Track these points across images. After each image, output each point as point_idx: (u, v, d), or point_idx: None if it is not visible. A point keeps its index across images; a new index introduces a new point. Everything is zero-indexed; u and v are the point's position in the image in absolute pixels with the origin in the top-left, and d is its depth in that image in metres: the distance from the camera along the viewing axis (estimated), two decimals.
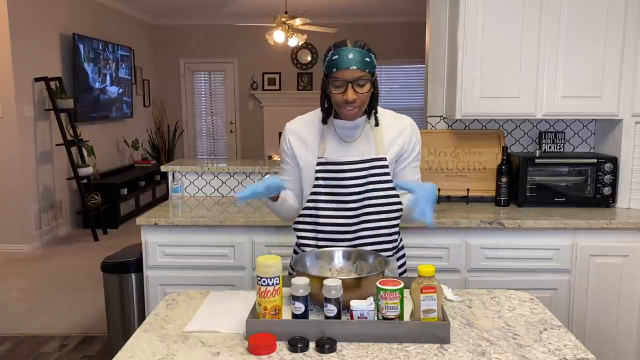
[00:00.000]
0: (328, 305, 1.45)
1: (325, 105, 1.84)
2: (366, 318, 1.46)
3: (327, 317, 1.46)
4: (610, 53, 2.79)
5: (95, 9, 7.19)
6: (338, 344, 1.41)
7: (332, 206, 1.83)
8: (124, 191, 6.77)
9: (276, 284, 1.46)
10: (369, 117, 1.85)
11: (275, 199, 1.84)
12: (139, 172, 7.55)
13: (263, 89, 9.58)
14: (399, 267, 1.94)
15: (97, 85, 6.95)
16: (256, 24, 8.33)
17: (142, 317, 2.82)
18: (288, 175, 1.95)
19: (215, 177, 3.29)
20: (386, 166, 1.82)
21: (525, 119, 3.14)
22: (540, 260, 2.64)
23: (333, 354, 1.38)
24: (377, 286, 1.46)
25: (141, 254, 2.75)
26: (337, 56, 1.71)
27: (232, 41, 9.40)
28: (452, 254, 2.64)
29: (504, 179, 2.90)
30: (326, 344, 1.38)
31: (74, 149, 6.08)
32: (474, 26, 2.79)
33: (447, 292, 1.76)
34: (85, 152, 6.27)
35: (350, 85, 1.70)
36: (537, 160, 2.91)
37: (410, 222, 1.84)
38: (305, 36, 7.21)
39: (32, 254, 5.42)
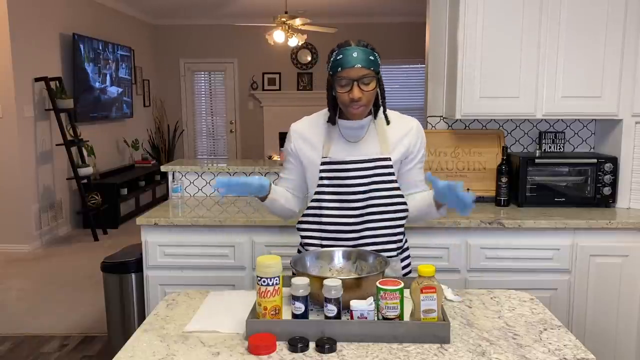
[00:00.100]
0: (328, 305, 1.45)
1: (332, 109, 1.85)
2: (366, 318, 1.46)
3: (327, 317, 1.46)
4: (610, 53, 2.79)
5: (95, 9, 7.20)
6: (338, 344, 1.41)
7: (336, 205, 1.84)
8: (124, 191, 6.77)
9: (276, 284, 1.46)
10: (374, 117, 1.85)
11: (263, 198, 1.85)
12: (139, 172, 7.55)
13: (263, 89, 9.58)
14: (404, 267, 1.94)
15: (97, 85, 6.95)
16: (256, 24, 8.33)
17: (142, 317, 2.82)
18: (289, 175, 1.96)
19: (215, 177, 3.29)
20: (391, 166, 1.83)
21: (525, 119, 3.14)
22: (540, 260, 2.64)
23: (333, 354, 1.38)
24: (377, 286, 1.46)
25: (141, 254, 2.75)
26: (341, 56, 1.73)
27: (232, 41, 9.40)
28: (452, 254, 2.64)
29: (504, 179, 2.90)
30: (326, 344, 1.38)
31: (74, 149, 6.08)
32: (474, 26, 2.79)
33: (447, 292, 1.76)
34: (85, 152, 6.27)
35: (355, 83, 1.72)
36: (537, 160, 2.91)
37: (432, 217, 1.85)
38: (305, 36, 7.21)
39: (32, 254, 5.42)
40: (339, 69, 1.72)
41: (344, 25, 8.60)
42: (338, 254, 1.79)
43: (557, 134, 3.12)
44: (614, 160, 2.87)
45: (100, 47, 7.02)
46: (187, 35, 9.39)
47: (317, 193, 1.86)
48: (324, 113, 1.91)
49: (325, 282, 1.46)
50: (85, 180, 6.15)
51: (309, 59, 9.52)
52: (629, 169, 2.90)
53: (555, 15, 2.77)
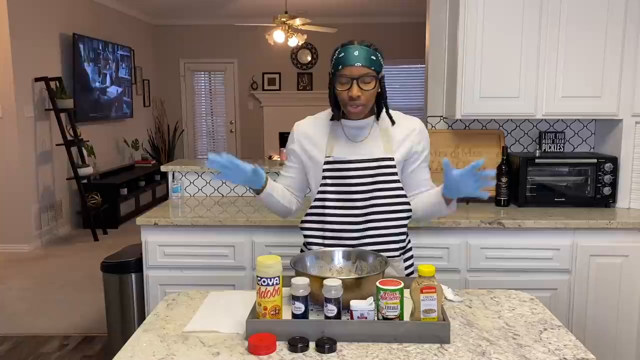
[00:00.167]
0: (328, 305, 1.45)
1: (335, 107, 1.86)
2: (366, 318, 1.46)
3: (327, 317, 1.46)
4: (610, 53, 2.79)
5: (95, 9, 7.20)
6: (338, 344, 1.41)
7: (339, 205, 1.84)
8: (124, 191, 6.77)
9: (276, 284, 1.46)
10: (377, 117, 1.86)
11: (259, 191, 1.83)
12: (139, 172, 7.55)
13: (263, 89, 9.58)
14: (407, 267, 1.94)
15: (97, 85, 6.95)
16: (256, 24, 8.33)
17: (142, 317, 2.82)
18: (289, 173, 1.97)
19: (215, 177, 3.29)
20: (394, 166, 1.83)
21: (525, 119, 3.14)
22: (540, 260, 2.64)
23: (333, 354, 1.38)
24: (377, 286, 1.46)
25: (141, 254, 2.75)
26: (343, 54, 1.74)
27: (232, 41, 9.40)
28: (452, 254, 2.64)
29: (504, 179, 2.90)
30: (326, 344, 1.38)
31: (74, 149, 6.08)
32: (474, 26, 2.79)
33: (447, 292, 1.76)
34: (85, 152, 6.27)
35: (355, 81, 1.72)
36: (537, 160, 2.91)
37: (442, 213, 1.84)
38: (305, 36, 7.21)
39: (32, 254, 5.42)
40: (340, 66, 1.73)
41: (344, 25, 8.60)
42: (338, 254, 1.79)
43: (557, 134, 3.12)
44: (614, 160, 2.87)
45: (100, 47, 7.02)
46: (187, 35, 9.39)
47: (320, 192, 1.86)
48: (327, 113, 1.92)
49: (325, 282, 1.46)
50: (85, 180, 6.15)
51: (309, 59, 9.51)
52: (629, 169, 2.90)
53: (555, 15, 2.77)
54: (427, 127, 3.15)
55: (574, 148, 3.18)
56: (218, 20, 9.23)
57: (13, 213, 5.48)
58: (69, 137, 6.00)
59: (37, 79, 5.67)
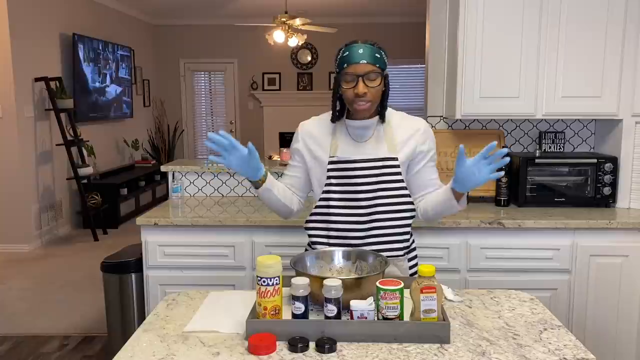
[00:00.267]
0: (328, 305, 1.45)
1: (338, 108, 1.87)
2: (366, 318, 1.46)
3: (327, 317, 1.46)
4: (610, 53, 2.79)
5: (95, 9, 7.20)
6: (338, 344, 1.41)
7: (344, 204, 1.85)
8: (124, 191, 6.77)
9: (276, 284, 1.46)
10: (381, 117, 1.86)
11: (258, 185, 1.80)
12: (139, 172, 7.55)
13: (263, 89, 9.58)
14: (411, 267, 1.94)
15: (97, 85, 6.95)
16: (256, 24, 8.33)
17: (142, 317, 2.82)
18: (293, 172, 1.97)
19: (215, 177, 3.29)
20: (397, 166, 1.84)
21: (525, 119, 3.14)
22: (540, 260, 2.64)
23: (333, 354, 1.38)
24: (377, 286, 1.46)
25: (141, 254, 2.75)
26: (347, 52, 1.76)
27: (232, 41, 9.40)
28: (452, 254, 2.64)
29: (504, 179, 2.90)
30: (326, 344, 1.38)
31: (74, 149, 6.08)
32: (474, 26, 2.79)
33: (447, 292, 1.76)
34: (85, 152, 6.27)
35: (361, 78, 1.73)
36: (537, 160, 2.91)
37: (453, 208, 1.80)
38: (305, 36, 7.21)
39: (32, 254, 5.42)
40: (345, 65, 1.75)
41: (344, 25, 8.60)
42: (338, 254, 1.79)
43: (557, 134, 3.12)
44: (614, 160, 2.87)
45: (100, 47, 7.02)
46: (187, 35, 9.39)
47: (324, 192, 1.87)
48: (331, 113, 1.92)
49: (325, 282, 1.46)
50: (85, 180, 6.15)
51: (309, 59, 9.51)
52: (629, 169, 2.90)
53: (555, 15, 2.77)
54: None
55: (574, 148, 3.18)
56: (218, 20, 9.23)
57: (13, 213, 5.48)
58: (69, 137, 6.00)
59: (37, 79, 5.67)
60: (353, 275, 1.71)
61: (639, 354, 2.70)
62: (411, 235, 1.95)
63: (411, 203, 1.87)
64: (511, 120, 3.15)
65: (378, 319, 1.46)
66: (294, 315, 1.47)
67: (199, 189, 3.30)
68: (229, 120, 9.68)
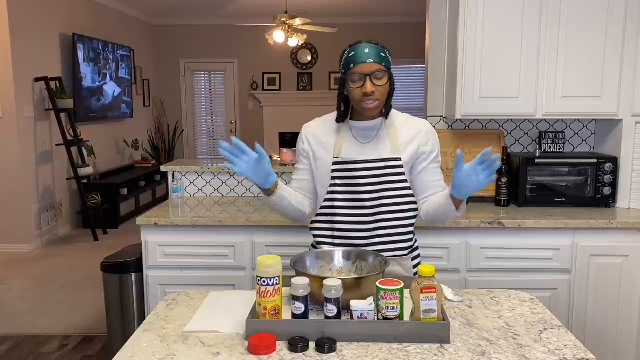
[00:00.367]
0: (328, 305, 1.45)
1: (342, 109, 1.87)
2: (366, 318, 1.46)
3: (327, 317, 1.46)
4: (610, 53, 2.79)
5: (95, 9, 7.20)
6: (338, 344, 1.41)
7: (348, 205, 1.86)
8: (124, 191, 6.77)
9: (276, 284, 1.46)
10: (386, 117, 1.87)
11: (270, 193, 1.82)
12: (139, 172, 7.55)
13: (263, 89, 9.58)
14: (414, 267, 1.95)
15: (97, 85, 6.95)
16: (256, 24, 8.33)
17: (142, 317, 2.82)
18: (301, 176, 1.97)
19: (215, 177, 3.29)
20: (401, 166, 1.85)
21: (525, 119, 3.14)
22: (540, 260, 2.64)
23: (333, 354, 1.38)
24: (377, 286, 1.46)
25: (141, 254, 2.75)
26: (353, 52, 1.77)
27: (232, 41, 9.40)
28: (452, 254, 2.64)
29: (504, 179, 2.90)
30: (326, 344, 1.38)
31: (74, 149, 6.08)
32: (474, 26, 2.79)
33: (447, 292, 1.76)
34: (85, 152, 6.27)
35: (368, 77, 1.74)
36: (537, 160, 2.91)
37: (453, 213, 1.80)
38: (305, 36, 7.21)
39: (32, 254, 5.42)
40: (351, 65, 1.76)
41: (344, 25, 8.60)
42: (338, 254, 1.79)
43: (557, 134, 3.12)
44: (614, 160, 2.87)
45: (100, 47, 7.02)
46: (187, 35, 9.39)
47: (329, 193, 1.88)
48: (334, 115, 1.94)
49: (325, 282, 1.46)
50: (85, 180, 6.15)
51: (309, 59, 9.51)
52: (629, 169, 2.90)
53: (555, 15, 2.77)
54: None
55: (574, 148, 3.18)
56: (218, 20, 9.23)
57: (13, 213, 5.48)
58: (69, 137, 6.00)
59: (37, 79, 5.67)
60: (353, 275, 1.71)
61: (639, 354, 2.70)
62: (414, 235, 1.96)
63: (414, 203, 1.89)
64: (511, 120, 3.15)
65: (378, 319, 1.46)
66: (294, 315, 1.47)
67: (199, 189, 3.30)
68: (229, 120, 9.69)
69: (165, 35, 9.40)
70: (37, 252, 5.51)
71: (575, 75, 2.82)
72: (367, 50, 1.75)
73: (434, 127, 3.16)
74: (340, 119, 1.88)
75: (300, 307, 1.46)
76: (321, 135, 1.92)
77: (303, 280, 1.47)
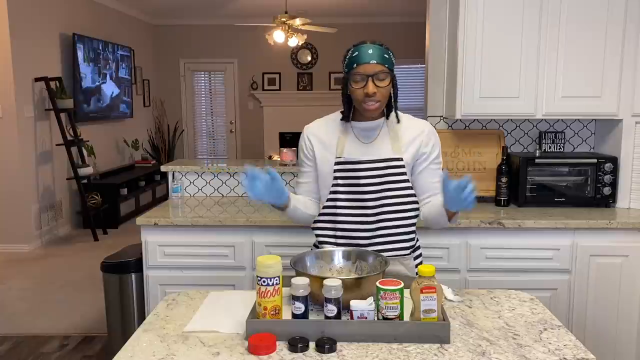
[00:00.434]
0: (328, 305, 1.45)
1: (346, 108, 1.88)
2: (366, 318, 1.46)
3: (327, 317, 1.46)
4: (610, 53, 2.79)
5: (95, 9, 7.20)
6: (338, 344, 1.41)
7: (351, 204, 1.86)
8: (124, 191, 6.77)
9: (276, 284, 1.46)
10: (387, 118, 1.87)
11: (284, 207, 1.86)
12: (139, 172, 7.55)
13: (263, 89, 9.58)
14: (416, 266, 1.95)
15: (97, 85, 6.95)
16: (256, 24, 8.33)
17: (142, 317, 2.82)
18: (307, 179, 1.98)
19: (215, 177, 3.29)
20: (403, 166, 1.85)
21: (525, 119, 3.14)
22: (540, 260, 2.64)
23: (333, 354, 1.38)
24: (377, 286, 1.46)
25: (141, 254, 2.75)
26: (357, 52, 1.77)
27: (232, 41, 9.40)
28: (452, 254, 2.64)
29: (504, 179, 2.90)
30: (326, 344, 1.38)
31: (74, 149, 6.08)
32: (474, 26, 2.79)
33: (447, 292, 1.76)
34: (85, 152, 6.27)
35: (370, 78, 1.75)
36: (537, 160, 2.91)
37: (442, 222, 1.82)
38: (305, 36, 7.21)
39: (32, 254, 5.42)
40: (354, 65, 1.76)
41: (344, 25, 8.60)
42: (338, 254, 1.79)
43: (557, 134, 3.12)
44: (614, 160, 2.87)
45: (100, 47, 7.02)
46: (187, 35, 9.39)
47: (331, 193, 1.88)
48: (335, 115, 1.95)
49: (325, 282, 1.46)
50: (85, 180, 6.15)
51: (309, 59, 9.51)
52: (629, 169, 2.90)
53: (555, 15, 2.77)
54: None
55: (574, 148, 3.18)
56: (218, 20, 9.23)
57: (13, 213, 5.48)
58: (69, 137, 6.00)
59: (37, 79, 5.67)
60: (353, 275, 1.71)
61: (639, 354, 2.70)
62: (416, 234, 1.96)
63: (416, 202, 1.89)
64: (511, 120, 3.15)
65: (378, 319, 1.46)
66: (294, 315, 1.47)
67: (199, 189, 3.30)
68: (229, 120, 9.68)
69: (165, 35, 9.40)
70: (37, 252, 5.51)
71: (575, 75, 2.82)
72: (370, 51, 1.75)
73: (434, 127, 3.17)
74: (345, 119, 1.89)
75: (300, 307, 1.46)
76: (323, 136, 1.92)
77: (303, 280, 1.47)
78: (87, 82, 6.69)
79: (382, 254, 1.81)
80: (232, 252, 2.70)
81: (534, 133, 3.18)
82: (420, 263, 1.98)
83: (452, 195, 1.61)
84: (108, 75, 7.26)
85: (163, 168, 3.30)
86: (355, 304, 1.46)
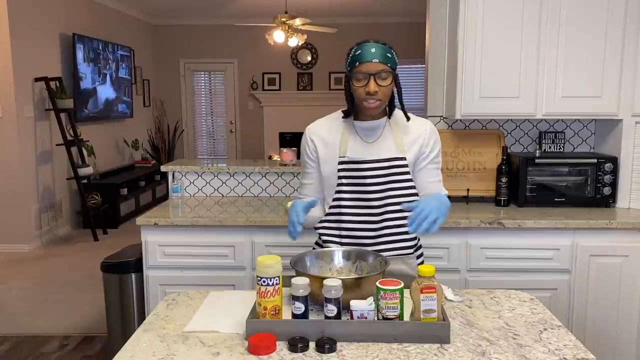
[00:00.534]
0: (328, 305, 1.45)
1: (349, 106, 1.87)
2: (366, 318, 1.46)
3: (327, 317, 1.46)
4: (610, 53, 2.79)
5: (95, 9, 7.20)
6: (338, 344, 1.41)
7: (356, 204, 1.86)
8: (124, 191, 6.77)
9: (276, 284, 1.46)
10: (389, 117, 1.87)
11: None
12: (139, 172, 7.55)
13: (263, 89, 9.58)
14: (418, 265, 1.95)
15: (97, 85, 6.95)
16: (256, 24, 8.33)
17: (142, 317, 2.82)
18: (311, 179, 1.97)
19: (215, 177, 3.29)
20: (406, 166, 1.85)
21: (525, 119, 3.14)
22: (540, 260, 2.64)
23: (333, 354, 1.38)
24: (377, 286, 1.46)
25: (141, 254, 2.75)
26: (359, 51, 1.77)
27: (232, 41, 9.40)
28: (452, 254, 2.64)
29: (504, 179, 2.90)
30: (326, 344, 1.38)
31: (74, 149, 6.08)
32: (473, 26, 2.79)
33: (447, 292, 1.76)
34: (85, 152, 6.27)
35: (372, 77, 1.74)
36: (537, 160, 2.91)
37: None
38: (305, 36, 7.21)
39: (32, 254, 5.42)
40: (357, 63, 1.76)
41: (344, 25, 8.60)
42: (338, 254, 1.79)
43: (557, 134, 3.12)
44: (614, 160, 2.87)
45: (100, 47, 7.02)
46: (187, 35, 9.39)
47: (336, 192, 1.87)
48: (337, 114, 1.94)
49: (325, 282, 1.46)
50: (85, 180, 6.15)
51: (309, 59, 9.51)
52: (629, 169, 2.90)
53: (555, 15, 2.77)
54: None
55: (574, 148, 3.18)
56: (218, 20, 9.23)
57: (13, 213, 5.48)
58: (69, 137, 5.99)
59: (37, 79, 5.67)
60: (353, 275, 1.71)
61: (639, 354, 2.70)
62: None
63: None
64: (511, 120, 3.15)
65: (378, 319, 1.46)
66: (294, 315, 1.47)
67: (199, 189, 3.30)
68: (229, 120, 9.68)
69: (165, 35, 9.40)
70: (37, 252, 5.51)
71: (575, 75, 2.82)
72: (373, 50, 1.75)
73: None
74: (347, 116, 1.88)
75: (300, 307, 1.46)
76: (325, 135, 1.91)
77: (303, 280, 1.47)
78: (87, 82, 6.69)
79: (386, 253, 1.81)
80: (232, 252, 2.70)
81: (534, 133, 3.18)
82: (422, 263, 1.98)
83: (412, 218, 1.63)
84: (108, 76, 7.25)
85: (163, 168, 3.30)
86: (355, 304, 1.46)
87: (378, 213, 1.84)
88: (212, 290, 1.84)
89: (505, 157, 2.92)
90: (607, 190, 2.87)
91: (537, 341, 1.45)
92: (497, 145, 3.07)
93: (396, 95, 1.86)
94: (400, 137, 1.87)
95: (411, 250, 1.91)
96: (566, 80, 2.82)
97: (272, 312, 1.47)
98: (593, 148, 3.18)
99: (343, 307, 1.47)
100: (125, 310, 2.89)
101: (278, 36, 6.79)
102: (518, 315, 1.63)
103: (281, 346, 1.41)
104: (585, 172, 2.90)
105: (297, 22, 6.59)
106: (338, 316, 1.46)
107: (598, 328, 2.68)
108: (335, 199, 1.88)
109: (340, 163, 1.86)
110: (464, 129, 3.16)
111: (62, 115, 5.95)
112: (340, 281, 1.47)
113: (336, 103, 2.13)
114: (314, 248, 1.99)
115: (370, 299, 1.48)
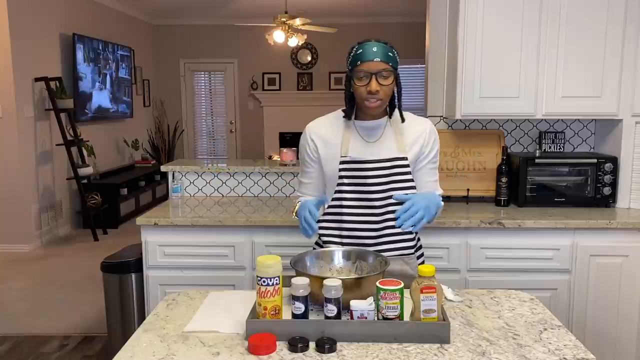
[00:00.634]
0: (328, 305, 1.45)
1: (349, 106, 1.87)
2: (366, 318, 1.46)
3: (327, 317, 1.46)
4: (610, 53, 2.79)
5: (95, 9, 7.20)
6: (338, 344, 1.41)
7: (357, 204, 1.85)
8: (124, 191, 6.77)
9: (276, 284, 1.46)
10: (390, 117, 1.87)
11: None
12: (139, 172, 7.55)
13: (263, 89, 9.58)
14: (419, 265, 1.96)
15: (97, 85, 6.95)
16: (256, 24, 8.33)
17: (142, 317, 2.82)
18: (311, 179, 1.97)
19: (215, 177, 3.29)
20: (407, 165, 1.85)
21: (525, 119, 3.14)
22: (540, 260, 2.64)
23: (333, 354, 1.38)
24: (377, 286, 1.46)
25: (141, 254, 2.75)
26: (361, 50, 1.77)
27: (232, 41, 9.40)
28: (452, 254, 2.64)
29: (504, 179, 2.90)
30: (326, 344, 1.38)
31: (74, 149, 6.08)
32: (474, 26, 2.79)
33: (447, 292, 1.76)
34: (85, 152, 6.27)
35: (374, 76, 1.74)
36: (537, 160, 2.91)
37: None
38: (305, 36, 7.21)
39: (32, 254, 5.42)
40: (358, 62, 1.75)
41: (344, 25, 8.60)
42: (338, 254, 1.79)
43: (557, 134, 3.12)
44: (614, 160, 2.87)
45: (100, 47, 7.02)
46: (187, 35, 9.39)
47: (337, 192, 1.87)
48: (337, 113, 1.93)
49: (325, 282, 1.46)
50: (85, 180, 6.15)
51: (309, 59, 9.51)
52: (629, 169, 2.90)
53: (555, 15, 2.77)
54: None
55: (574, 148, 3.18)
56: (218, 20, 9.23)
57: (13, 213, 5.48)
58: (69, 137, 6.00)
59: (37, 79, 5.67)
60: (353, 275, 1.71)
61: (639, 354, 2.70)
62: (417, 233, 1.96)
63: None
64: (511, 120, 3.15)
65: (378, 319, 1.46)
66: (294, 315, 1.47)
67: (199, 189, 3.30)
68: (229, 120, 9.69)
69: (165, 35, 9.40)
70: (37, 252, 5.51)
71: (575, 75, 2.82)
72: (375, 49, 1.75)
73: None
74: (348, 117, 1.88)
75: (300, 307, 1.46)
76: (326, 135, 1.91)
77: (303, 280, 1.47)
78: (87, 82, 6.68)
79: (387, 253, 1.81)
80: (232, 252, 2.70)
81: (534, 133, 3.18)
82: (422, 262, 1.98)
83: (399, 212, 1.68)
84: (108, 75, 7.25)
85: (163, 168, 3.30)
86: (355, 304, 1.46)
87: (380, 213, 1.84)
88: (212, 290, 1.84)
89: (505, 157, 2.92)
90: (607, 190, 2.87)
91: (537, 341, 1.45)
92: (497, 145, 3.07)
93: (396, 95, 1.86)
94: (401, 137, 1.87)
95: (412, 250, 1.91)
96: (566, 80, 2.82)
97: (272, 312, 1.47)
98: (593, 148, 3.18)
99: (343, 307, 1.47)
100: (125, 310, 2.89)
101: (278, 36, 6.79)
102: (518, 315, 1.63)
103: (281, 346, 1.41)
104: (585, 172, 2.90)
105: (297, 22, 6.59)
106: (338, 316, 1.46)
107: (598, 328, 2.68)
108: (336, 199, 1.88)
109: (342, 163, 1.86)
110: (464, 129, 3.16)
111: (62, 115, 5.96)
112: (340, 281, 1.47)
113: (336, 103, 2.13)
114: (314, 248, 1.99)
115: (370, 299, 1.48)
